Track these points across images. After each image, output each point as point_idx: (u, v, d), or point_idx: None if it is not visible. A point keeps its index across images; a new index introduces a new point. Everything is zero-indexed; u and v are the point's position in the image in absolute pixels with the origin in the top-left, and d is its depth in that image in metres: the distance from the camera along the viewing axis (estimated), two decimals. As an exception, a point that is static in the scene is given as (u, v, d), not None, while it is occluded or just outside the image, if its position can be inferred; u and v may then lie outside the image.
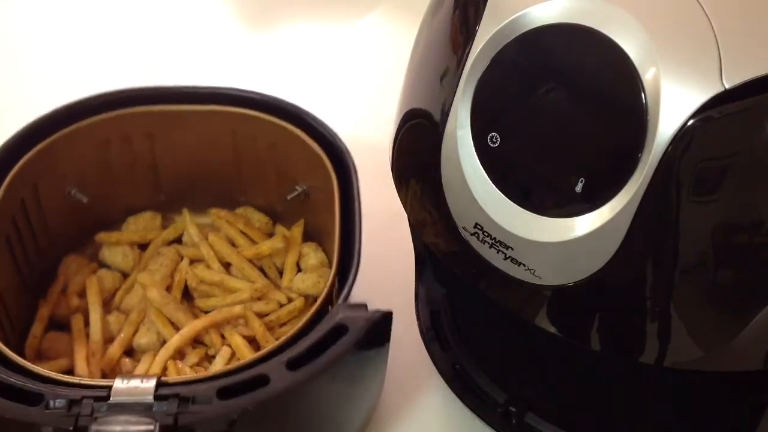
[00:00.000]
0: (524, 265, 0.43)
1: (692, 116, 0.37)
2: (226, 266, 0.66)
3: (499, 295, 0.47)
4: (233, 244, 0.67)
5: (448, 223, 0.46)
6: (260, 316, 0.61)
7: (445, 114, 0.45)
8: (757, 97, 0.37)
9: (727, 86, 0.37)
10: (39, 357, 0.60)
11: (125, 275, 0.65)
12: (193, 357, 0.59)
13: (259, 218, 0.69)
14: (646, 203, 0.39)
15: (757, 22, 0.39)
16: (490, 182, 0.43)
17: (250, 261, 0.65)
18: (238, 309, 0.61)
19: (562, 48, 0.42)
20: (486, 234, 0.44)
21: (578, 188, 0.40)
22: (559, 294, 0.43)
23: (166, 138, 0.66)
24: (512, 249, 0.43)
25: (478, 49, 0.43)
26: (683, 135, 0.37)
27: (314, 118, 0.64)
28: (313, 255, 0.66)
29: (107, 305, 0.63)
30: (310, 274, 0.64)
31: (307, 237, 0.67)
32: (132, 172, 0.67)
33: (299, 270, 0.66)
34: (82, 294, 0.63)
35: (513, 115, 0.43)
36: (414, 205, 0.50)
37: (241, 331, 0.61)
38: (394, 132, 0.52)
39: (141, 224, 0.68)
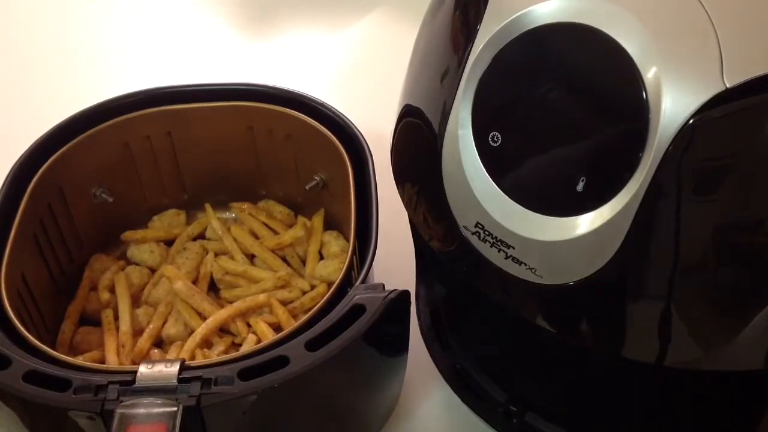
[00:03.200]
0: (525, 265, 0.43)
1: (693, 115, 0.37)
2: (250, 258, 0.67)
3: (500, 294, 0.47)
4: (256, 237, 0.68)
5: (449, 222, 0.46)
6: (284, 303, 0.62)
7: (446, 113, 0.45)
8: (759, 96, 0.37)
9: (728, 85, 0.37)
10: (72, 351, 0.61)
11: (153, 271, 0.66)
12: (220, 345, 0.60)
13: (280, 210, 0.70)
14: (647, 202, 0.39)
15: (759, 21, 0.39)
16: (492, 181, 0.43)
17: (273, 251, 0.66)
18: (262, 297, 0.62)
19: (563, 47, 0.42)
20: (487, 233, 0.44)
21: (579, 187, 0.40)
22: (559, 293, 0.43)
23: (184, 136, 0.67)
24: (513, 248, 0.43)
25: (479, 49, 0.43)
26: (684, 134, 0.37)
27: (327, 107, 0.65)
28: (334, 243, 0.67)
29: (136, 300, 0.64)
30: (332, 261, 0.65)
31: (328, 225, 0.68)
32: (155, 172, 0.68)
33: (322, 258, 0.66)
34: (112, 290, 0.64)
35: (514, 114, 0.43)
36: (415, 204, 0.50)
37: (266, 318, 0.62)
38: (395, 131, 0.52)
39: (166, 221, 0.69)
